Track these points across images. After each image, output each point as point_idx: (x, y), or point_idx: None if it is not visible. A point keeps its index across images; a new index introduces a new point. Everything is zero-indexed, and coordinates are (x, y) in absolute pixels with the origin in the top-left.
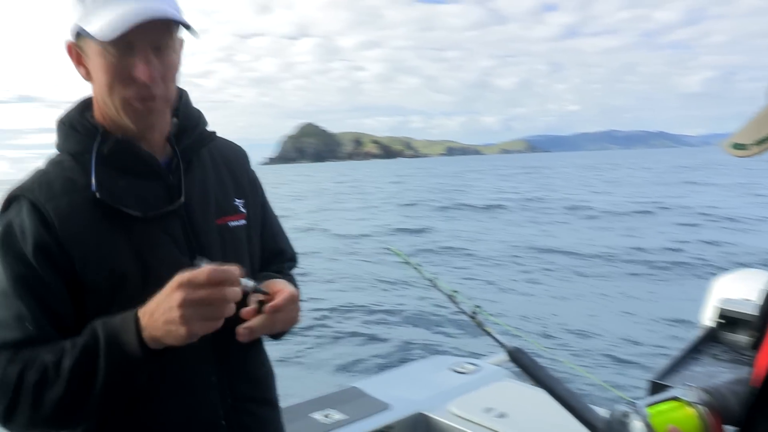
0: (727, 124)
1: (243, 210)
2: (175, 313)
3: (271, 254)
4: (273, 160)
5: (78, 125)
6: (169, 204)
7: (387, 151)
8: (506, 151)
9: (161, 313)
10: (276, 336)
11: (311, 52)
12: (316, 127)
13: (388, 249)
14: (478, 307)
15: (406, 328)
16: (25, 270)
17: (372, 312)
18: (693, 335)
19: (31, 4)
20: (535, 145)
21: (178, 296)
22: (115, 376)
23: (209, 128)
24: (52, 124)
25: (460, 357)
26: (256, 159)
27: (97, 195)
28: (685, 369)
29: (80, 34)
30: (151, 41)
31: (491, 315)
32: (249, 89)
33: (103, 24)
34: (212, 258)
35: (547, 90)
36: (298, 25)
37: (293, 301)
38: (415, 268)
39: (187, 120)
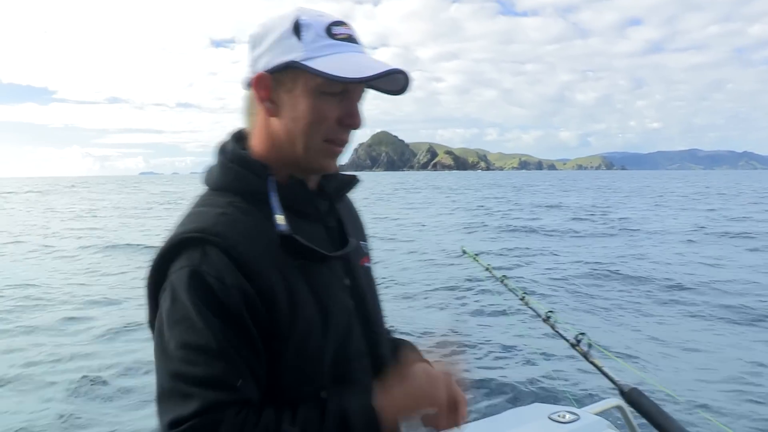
0: None
1: (368, 251)
2: (432, 401)
3: None
4: (343, 168)
5: (249, 164)
6: (330, 247)
7: (460, 162)
8: (581, 167)
9: (417, 399)
10: None
11: (390, 62)
12: (391, 136)
13: (463, 251)
14: (551, 312)
15: (498, 362)
16: (230, 324)
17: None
18: None
19: (123, 8)
20: (612, 162)
21: (444, 391)
22: None
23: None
24: (135, 124)
25: (560, 406)
26: None
27: (291, 235)
28: None
29: (288, 68)
30: (359, 93)
31: (601, 347)
32: None
33: (343, 65)
34: (366, 300)
35: (627, 106)
36: (378, 35)
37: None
38: (486, 268)
39: None
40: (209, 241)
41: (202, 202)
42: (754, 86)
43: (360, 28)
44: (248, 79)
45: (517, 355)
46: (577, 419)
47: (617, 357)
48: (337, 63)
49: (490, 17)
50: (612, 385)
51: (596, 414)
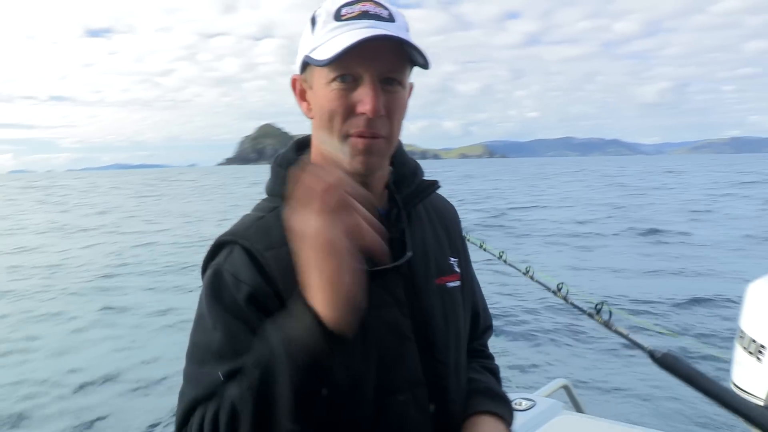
0: (679, 134)
1: (457, 270)
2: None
3: (471, 318)
4: (230, 161)
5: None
6: (391, 259)
7: None
8: (465, 156)
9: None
10: None
11: (274, 53)
12: (276, 128)
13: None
14: (561, 283)
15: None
16: (236, 322)
17: None
18: None
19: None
20: (494, 150)
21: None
22: (300, 376)
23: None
24: (2, 119)
25: (512, 393)
26: (214, 159)
27: None
28: None
29: (307, 66)
30: (380, 73)
31: (623, 312)
32: (210, 89)
33: (330, 49)
34: (433, 322)
35: (507, 96)
36: (262, 25)
37: None
38: (481, 246)
39: (405, 167)
40: (237, 243)
41: (255, 207)
42: (621, 78)
43: (243, 19)
44: None
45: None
46: (534, 405)
47: (641, 319)
48: (332, 46)
49: None
50: (642, 353)
51: (548, 396)
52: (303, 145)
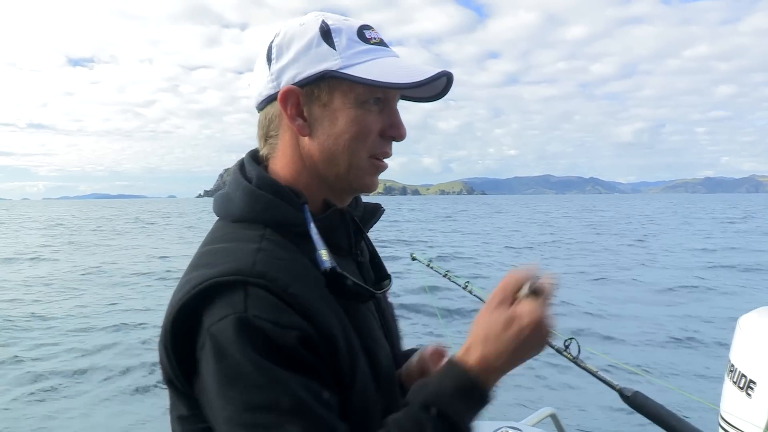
0: (655, 173)
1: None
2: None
3: None
4: (209, 193)
5: (281, 191)
6: (362, 281)
7: None
8: (444, 192)
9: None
10: None
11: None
12: None
13: (412, 257)
14: None
15: None
16: (297, 370)
17: None
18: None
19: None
20: (473, 187)
21: (533, 307)
22: None
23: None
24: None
25: (497, 422)
26: (194, 191)
27: (341, 273)
28: None
29: (322, 79)
30: (396, 102)
31: (591, 350)
32: (191, 121)
33: (388, 71)
34: (396, 344)
35: (486, 134)
36: (245, 59)
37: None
38: (445, 275)
39: None
40: (252, 284)
41: (227, 237)
42: (597, 118)
43: (226, 52)
44: (266, 97)
45: None
46: None
47: (612, 358)
48: (380, 69)
49: None
50: (611, 391)
51: (534, 426)
52: (257, 161)
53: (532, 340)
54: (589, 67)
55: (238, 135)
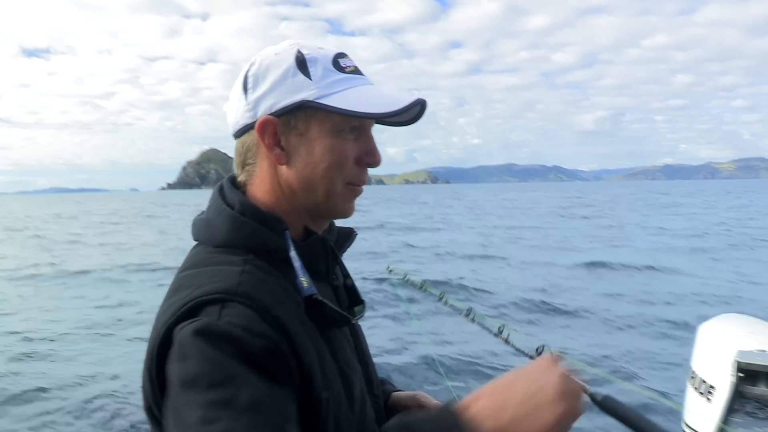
0: (616, 161)
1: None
2: (551, 392)
3: None
4: (172, 186)
5: (265, 218)
6: (337, 306)
7: None
8: (408, 182)
9: (527, 395)
10: None
11: (218, 78)
12: (220, 153)
13: (388, 269)
14: (503, 324)
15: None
16: (261, 375)
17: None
18: (721, 395)
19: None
20: (437, 176)
21: (557, 372)
22: None
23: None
24: None
25: None
26: (156, 184)
27: (321, 300)
28: None
29: (299, 109)
30: (371, 129)
31: (564, 356)
32: (153, 113)
33: (364, 100)
34: (368, 365)
35: (450, 123)
36: (207, 50)
37: None
38: (421, 287)
39: None
40: (235, 301)
41: (209, 261)
42: (559, 107)
43: (188, 43)
44: (243, 126)
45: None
46: None
47: (579, 361)
48: (356, 98)
49: (320, 36)
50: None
51: None
52: (236, 184)
53: (549, 395)
54: (551, 56)
55: (201, 127)
